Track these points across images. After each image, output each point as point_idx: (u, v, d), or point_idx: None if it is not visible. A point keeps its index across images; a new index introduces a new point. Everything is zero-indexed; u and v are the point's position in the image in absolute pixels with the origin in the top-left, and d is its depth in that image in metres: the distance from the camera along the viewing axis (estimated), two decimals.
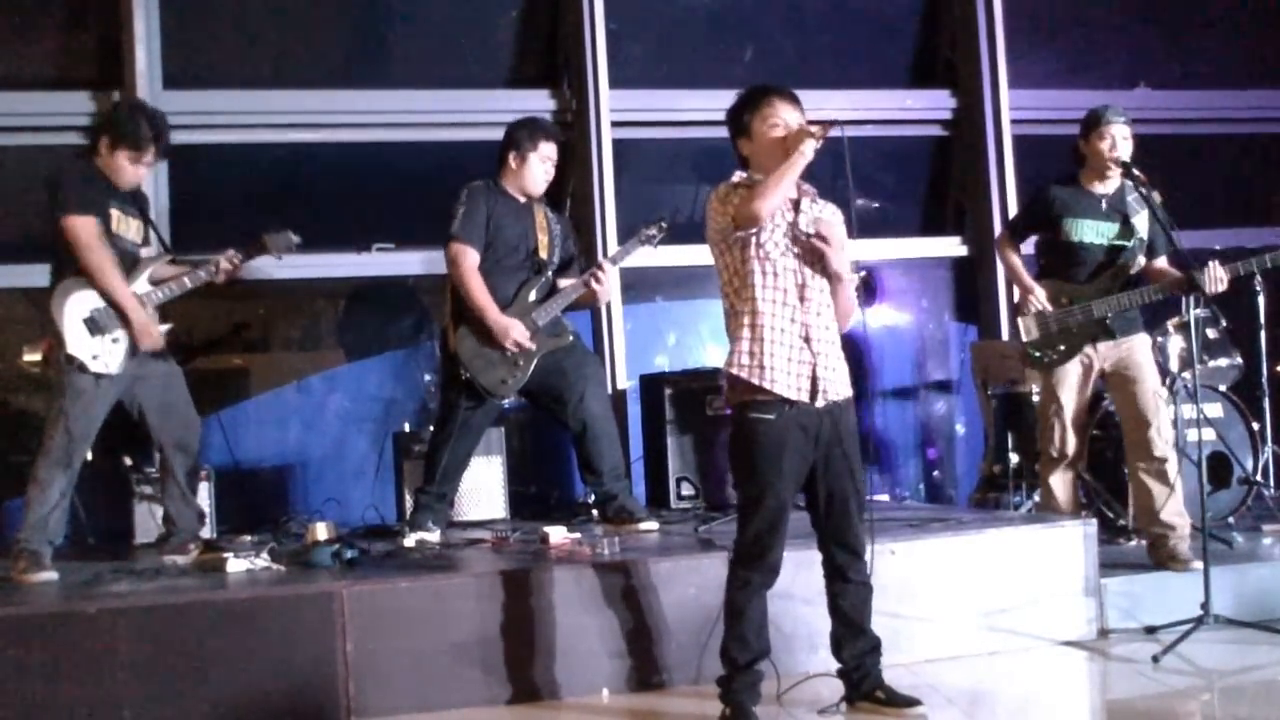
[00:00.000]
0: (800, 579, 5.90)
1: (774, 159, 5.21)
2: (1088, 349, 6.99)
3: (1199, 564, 6.34)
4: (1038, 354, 7.07)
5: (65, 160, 6.65)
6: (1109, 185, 7.04)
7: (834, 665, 5.46)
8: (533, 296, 7.24)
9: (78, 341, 6.43)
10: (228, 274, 6.85)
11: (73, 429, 6.45)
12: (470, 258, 7.12)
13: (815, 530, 5.40)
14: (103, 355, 6.48)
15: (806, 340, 5.18)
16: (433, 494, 7.26)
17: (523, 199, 7.31)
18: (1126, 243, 6.97)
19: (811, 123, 5.29)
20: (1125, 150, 6.91)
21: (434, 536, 7.09)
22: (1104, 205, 7.02)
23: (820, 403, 5.18)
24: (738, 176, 5.31)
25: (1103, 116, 6.96)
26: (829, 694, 5.42)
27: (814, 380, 5.18)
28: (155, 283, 6.67)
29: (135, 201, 6.84)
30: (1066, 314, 6.99)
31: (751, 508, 5.21)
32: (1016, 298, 7.22)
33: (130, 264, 6.65)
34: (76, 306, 6.45)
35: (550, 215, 7.44)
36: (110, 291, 6.47)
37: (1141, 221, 6.95)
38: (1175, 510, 6.81)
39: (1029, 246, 7.37)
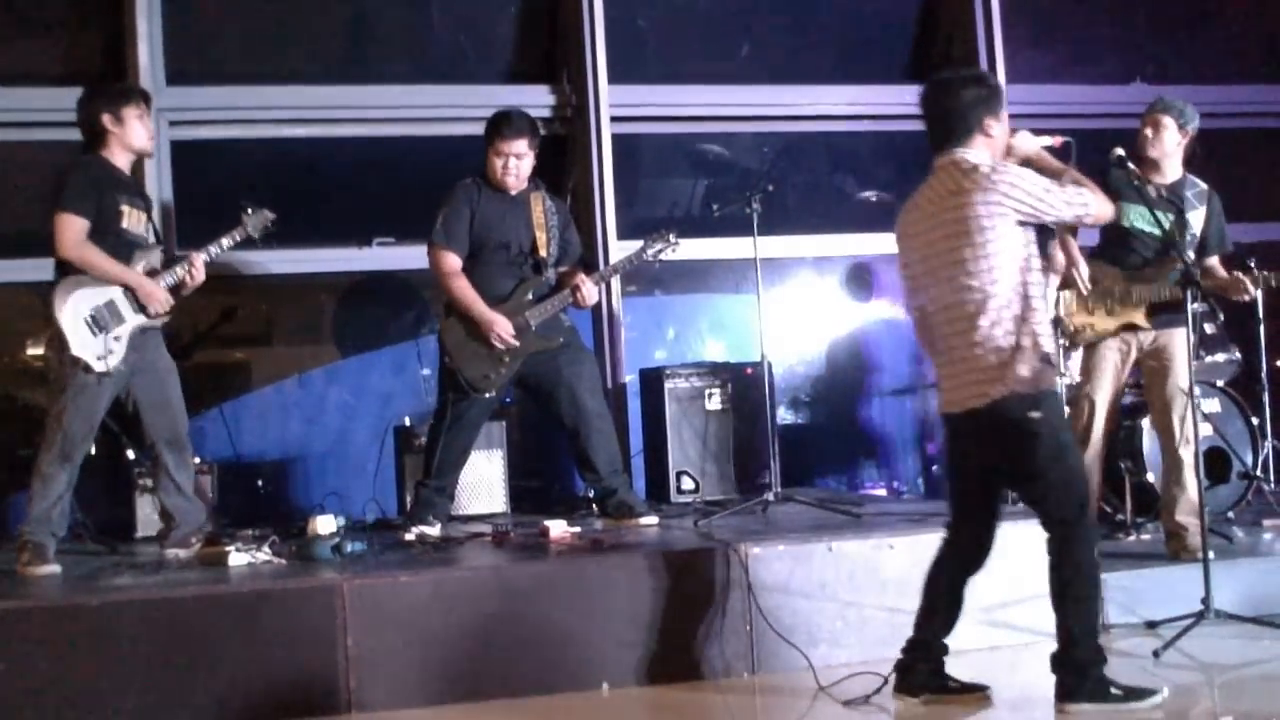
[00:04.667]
0: (798, 574, 5.93)
1: (1002, 153, 5.33)
2: (1125, 335, 7.02)
3: (1211, 554, 6.41)
4: (1073, 328, 7.14)
5: (77, 156, 6.66)
6: (1167, 176, 7.07)
7: (831, 659, 5.49)
8: (530, 295, 7.25)
9: (81, 343, 6.44)
10: (198, 269, 6.79)
11: (74, 425, 6.47)
12: (448, 261, 7.15)
13: (985, 508, 5.43)
14: (105, 354, 6.49)
15: None
16: (432, 488, 7.28)
17: (512, 193, 7.32)
18: (1177, 236, 6.95)
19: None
20: (1152, 142, 7.01)
21: (435, 530, 7.11)
22: (1159, 195, 6.98)
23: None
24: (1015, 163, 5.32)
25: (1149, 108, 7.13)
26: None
27: None
28: (150, 274, 6.67)
29: (142, 196, 6.88)
30: (1105, 294, 7.04)
31: (1081, 477, 5.23)
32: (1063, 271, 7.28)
33: (130, 255, 6.66)
34: (78, 305, 6.46)
35: (549, 206, 7.41)
36: (105, 274, 6.50)
37: (1197, 218, 6.98)
38: (1190, 510, 6.83)
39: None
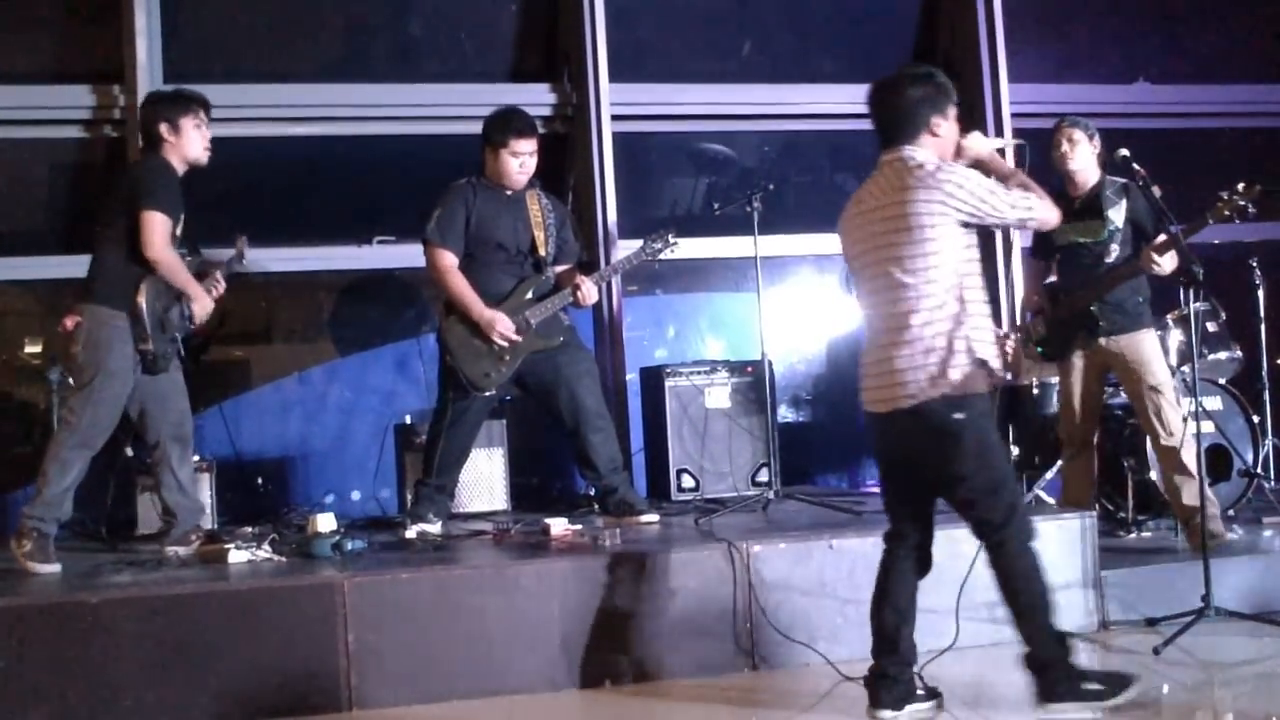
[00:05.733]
0: (798, 571, 5.93)
1: (952, 153, 5.26)
2: (1091, 341, 7.22)
3: (1231, 536, 6.81)
4: (1040, 349, 7.50)
5: (154, 159, 6.69)
6: (1086, 185, 7.31)
7: (832, 656, 5.51)
8: (529, 295, 7.25)
9: (157, 338, 6.54)
10: (222, 285, 6.97)
11: (104, 412, 6.52)
12: (444, 259, 7.15)
13: (919, 509, 5.32)
14: (166, 354, 6.61)
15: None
16: (432, 485, 7.28)
17: (509, 192, 7.31)
18: (1101, 235, 7.22)
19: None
20: (1074, 152, 7.23)
21: (435, 528, 7.11)
22: (1077, 205, 7.26)
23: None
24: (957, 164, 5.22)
25: (1056, 127, 7.35)
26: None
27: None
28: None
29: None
30: (1057, 309, 7.37)
31: (1009, 480, 5.18)
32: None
33: None
34: (155, 303, 6.55)
35: (545, 204, 7.40)
36: (180, 280, 6.59)
37: (1118, 213, 7.18)
38: (1195, 494, 6.83)
39: None
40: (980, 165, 5.26)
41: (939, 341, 5.02)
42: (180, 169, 6.77)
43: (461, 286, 7.12)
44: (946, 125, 5.26)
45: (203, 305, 6.69)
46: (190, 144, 6.75)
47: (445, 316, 7.24)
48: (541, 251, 7.31)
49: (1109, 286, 7.13)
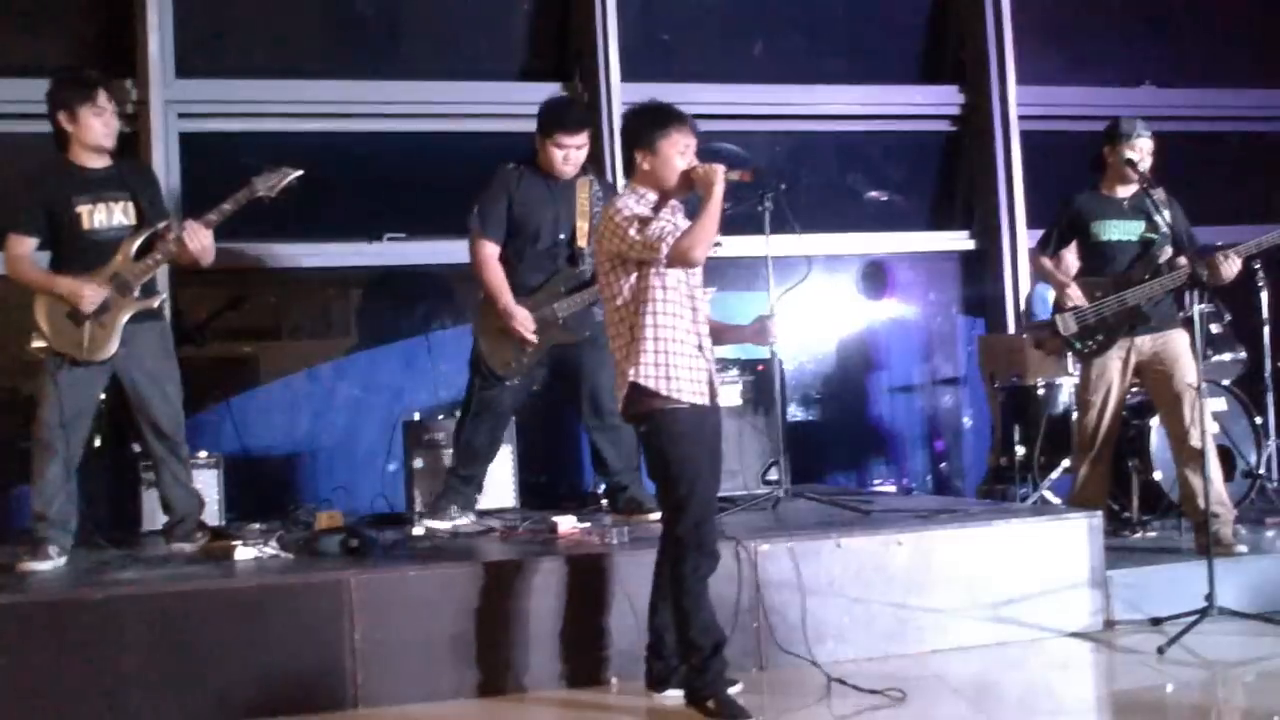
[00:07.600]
0: (806, 570, 5.94)
1: (671, 184, 5.36)
2: (1125, 340, 7.24)
3: (1243, 547, 6.77)
4: (1078, 345, 7.35)
5: (28, 178, 6.73)
6: (1130, 188, 7.32)
7: (839, 655, 5.51)
8: (563, 288, 7.26)
9: (61, 338, 6.50)
10: (183, 242, 6.60)
11: (54, 418, 6.49)
12: (484, 248, 7.16)
13: None
14: (88, 344, 6.52)
15: (700, 349, 5.35)
16: (459, 476, 7.33)
17: (557, 180, 7.30)
18: (1154, 236, 7.25)
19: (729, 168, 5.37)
20: (1147, 161, 7.23)
21: (443, 525, 7.11)
22: (1126, 205, 7.33)
23: (716, 403, 5.42)
24: (637, 199, 5.35)
25: (1133, 131, 7.27)
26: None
27: (710, 385, 5.37)
28: (137, 258, 6.66)
29: (121, 179, 6.76)
30: (1101, 306, 7.26)
31: (688, 498, 5.24)
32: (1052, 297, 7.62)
33: (110, 252, 6.64)
34: (57, 302, 6.51)
35: (596, 191, 7.36)
36: (38, 287, 6.57)
37: (1169, 216, 7.17)
38: (1217, 500, 6.86)
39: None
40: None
41: (623, 365, 5.34)
42: (92, 156, 6.68)
43: (494, 276, 7.15)
44: (654, 159, 5.36)
45: (78, 296, 6.44)
46: (89, 133, 6.63)
47: (481, 303, 7.27)
48: (581, 241, 7.29)
49: (1166, 286, 7.15)
